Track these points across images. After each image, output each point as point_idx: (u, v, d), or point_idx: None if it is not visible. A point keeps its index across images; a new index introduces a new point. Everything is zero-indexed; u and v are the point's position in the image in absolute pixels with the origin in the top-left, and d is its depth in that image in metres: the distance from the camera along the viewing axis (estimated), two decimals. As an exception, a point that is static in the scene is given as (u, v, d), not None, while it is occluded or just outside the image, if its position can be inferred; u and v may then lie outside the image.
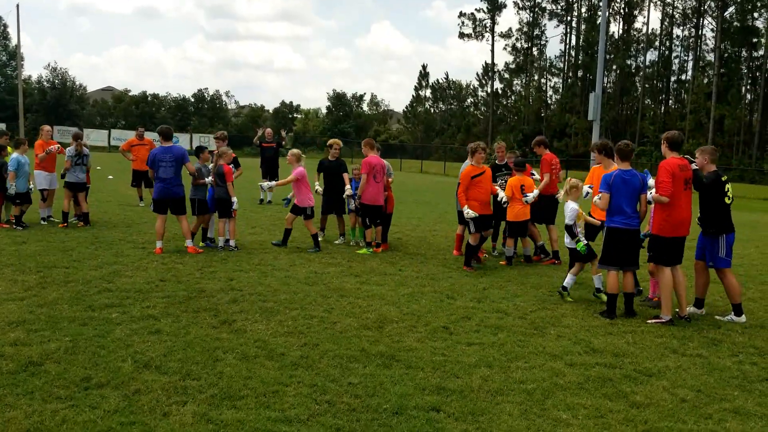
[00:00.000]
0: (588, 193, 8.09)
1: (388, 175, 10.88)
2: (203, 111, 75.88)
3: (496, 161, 10.61)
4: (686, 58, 64.14)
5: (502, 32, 72.18)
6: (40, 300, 6.75)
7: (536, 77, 72.78)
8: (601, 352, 5.72)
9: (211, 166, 10.29)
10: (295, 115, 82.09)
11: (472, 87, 78.35)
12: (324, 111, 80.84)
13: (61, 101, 66.07)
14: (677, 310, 6.98)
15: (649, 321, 6.78)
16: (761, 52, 54.56)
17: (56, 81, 68.37)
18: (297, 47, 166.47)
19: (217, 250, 10.11)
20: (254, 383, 4.69)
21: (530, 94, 71.40)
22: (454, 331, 6.22)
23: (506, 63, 73.68)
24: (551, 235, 10.24)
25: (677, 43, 63.87)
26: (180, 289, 7.46)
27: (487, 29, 71.53)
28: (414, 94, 79.77)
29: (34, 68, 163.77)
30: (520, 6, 70.40)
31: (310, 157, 56.14)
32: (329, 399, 4.47)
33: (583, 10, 67.90)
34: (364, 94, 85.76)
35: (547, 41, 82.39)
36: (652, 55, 64.07)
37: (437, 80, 79.91)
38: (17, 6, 49.43)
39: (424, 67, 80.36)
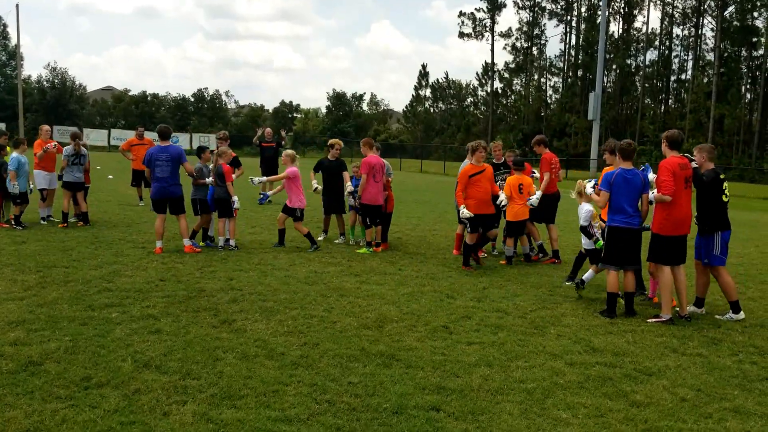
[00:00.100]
0: (592, 187, 8.07)
1: (387, 175, 10.87)
2: (203, 111, 75.89)
3: (494, 160, 10.60)
4: (686, 57, 64.17)
5: (501, 32, 72.23)
6: (39, 299, 6.74)
7: (536, 77, 72.78)
8: (601, 352, 5.72)
9: (211, 166, 10.29)
10: (294, 115, 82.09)
11: (471, 86, 78.41)
12: (324, 111, 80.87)
13: (61, 101, 66.08)
14: (677, 309, 6.98)
15: (649, 320, 6.78)
16: (761, 52, 54.54)
17: (56, 81, 68.40)
18: (297, 47, 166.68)
19: (217, 249, 10.11)
20: (254, 383, 4.69)
21: (530, 93, 71.39)
22: (454, 330, 6.22)
23: (506, 62, 73.75)
24: (551, 234, 10.24)
25: (677, 42, 63.90)
26: (180, 288, 7.46)
27: (487, 29, 71.57)
28: (414, 94, 79.83)
29: (33, 68, 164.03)
30: (520, 5, 70.40)
31: (310, 156, 56.18)
32: (329, 398, 4.47)
33: (583, 9, 67.90)
34: (364, 93, 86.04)
35: (546, 41, 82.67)
36: (651, 55, 64.15)
37: (437, 80, 80.00)
38: (17, 6, 49.49)
39: (423, 66, 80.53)
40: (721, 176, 7.08)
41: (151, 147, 10.88)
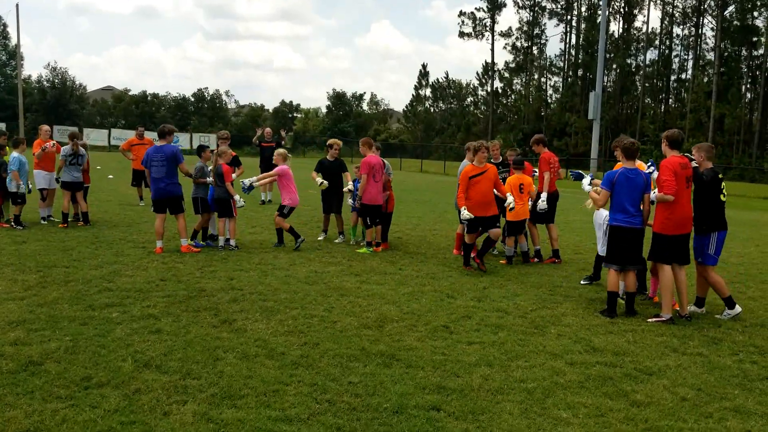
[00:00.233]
0: (589, 184, 8.07)
1: (387, 174, 10.87)
2: (203, 110, 75.92)
3: (491, 160, 10.56)
4: (686, 57, 64.24)
5: (502, 31, 72.34)
6: (40, 299, 6.74)
7: (536, 76, 72.82)
8: (601, 351, 5.72)
9: (210, 168, 10.27)
10: (295, 115, 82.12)
11: (472, 86, 78.51)
12: (324, 110, 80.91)
13: (61, 101, 66.09)
14: (677, 309, 6.98)
15: (650, 320, 6.77)
16: (761, 51, 54.56)
17: (56, 81, 68.41)
18: (297, 47, 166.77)
19: (218, 249, 10.11)
20: (254, 382, 4.69)
21: (530, 93, 71.41)
22: (455, 330, 6.21)
23: (506, 62, 73.85)
24: (551, 233, 10.23)
25: (677, 42, 63.95)
26: (180, 288, 7.46)
27: (487, 28, 71.65)
28: (414, 94, 79.91)
29: (33, 68, 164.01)
30: (520, 5, 70.46)
31: (309, 156, 56.18)
32: (329, 398, 4.47)
33: (583, 9, 67.94)
34: (364, 93, 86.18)
35: (547, 40, 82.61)
36: (652, 54, 64.21)
37: (437, 79, 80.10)
38: (17, 6, 49.51)
39: (424, 66, 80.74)
40: (720, 175, 7.09)
41: (150, 147, 10.87)
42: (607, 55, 56.51)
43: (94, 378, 4.67)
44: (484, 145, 9.19)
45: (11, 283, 7.45)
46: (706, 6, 59.41)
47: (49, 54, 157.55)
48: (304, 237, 10.67)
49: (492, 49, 71.54)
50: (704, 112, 55.08)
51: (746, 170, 45.61)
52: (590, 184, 7.76)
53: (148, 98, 74.24)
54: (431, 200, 20.80)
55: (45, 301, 6.67)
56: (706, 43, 60.01)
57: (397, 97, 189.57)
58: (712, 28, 58.27)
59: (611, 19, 63.69)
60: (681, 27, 63.99)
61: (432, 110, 79.68)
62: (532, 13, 70.49)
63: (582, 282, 8.59)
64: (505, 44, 73.21)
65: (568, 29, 69.91)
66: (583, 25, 66.61)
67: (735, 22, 55.50)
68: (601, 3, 51.36)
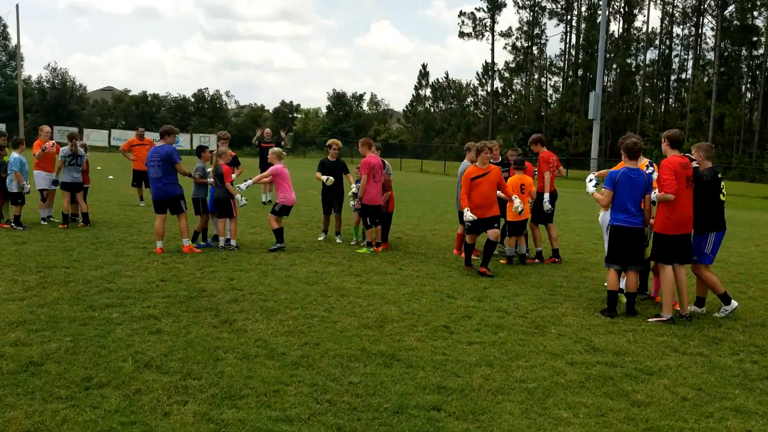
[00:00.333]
0: (591, 179, 8.03)
1: (387, 173, 10.87)
2: (203, 111, 75.91)
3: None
4: (686, 56, 64.21)
5: (502, 31, 72.30)
6: (40, 300, 6.75)
7: (536, 76, 72.80)
8: (602, 351, 5.71)
9: (209, 169, 10.24)
10: (295, 115, 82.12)
11: (472, 86, 78.43)
12: (324, 110, 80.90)
13: (61, 101, 66.09)
14: (678, 308, 6.98)
15: (650, 320, 6.77)
16: (761, 51, 54.53)
17: (56, 81, 68.41)
18: (297, 47, 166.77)
19: (218, 249, 10.10)
20: (255, 383, 4.69)
21: (530, 93, 71.40)
22: (455, 330, 6.21)
23: (506, 62, 73.80)
24: (551, 233, 10.23)
25: (677, 41, 63.93)
26: (180, 288, 7.46)
27: (487, 28, 71.62)
28: (414, 94, 79.87)
29: (33, 68, 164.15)
30: (520, 5, 70.43)
31: (309, 157, 56.16)
32: (330, 398, 4.47)
33: (583, 9, 67.94)
34: (364, 93, 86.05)
35: (547, 40, 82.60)
36: (652, 54, 64.18)
37: (437, 79, 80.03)
38: (17, 6, 49.55)
39: (424, 66, 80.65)
40: (719, 175, 7.09)
41: (150, 147, 10.86)
42: (607, 55, 56.50)
43: (94, 378, 4.67)
44: (487, 146, 9.02)
45: (11, 283, 7.45)
46: (706, 6, 59.41)
47: (49, 54, 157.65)
48: (304, 237, 10.66)
49: (492, 49, 71.60)
50: (704, 111, 55.07)
51: (746, 170, 45.60)
52: (595, 186, 7.72)
53: (149, 99, 74.25)
54: (431, 200, 20.80)
55: (45, 302, 6.67)
56: (706, 43, 60.05)
57: (397, 98, 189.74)
58: (712, 28, 58.29)
59: (611, 19, 63.72)
60: (681, 27, 64.02)
61: (432, 110, 79.66)
62: (532, 13, 70.51)
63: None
64: (505, 44, 73.25)
65: (568, 29, 69.95)
66: (583, 25, 66.62)
67: (735, 22, 55.48)
68: (601, 3, 51.40)
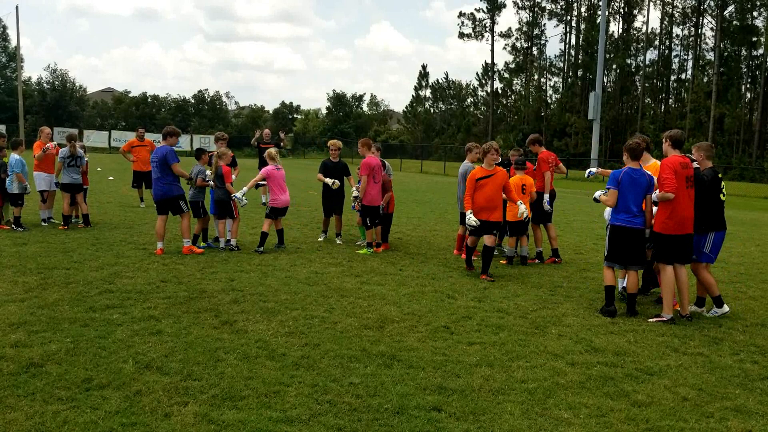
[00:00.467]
0: (590, 172, 7.97)
1: (388, 174, 10.87)
2: (203, 112, 75.86)
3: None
4: (686, 57, 64.21)
5: (501, 32, 72.35)
6: (41, 301, 6.75)
7: (536, 77, 72.81)
8: (602, 351, 5.72)
9: (208, 172, 10.22)
10: (295, 116, 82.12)
11: (471, 87, 78.44)
12: (324, 111, 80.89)
13: (61, 103, 66.06)
14: (678, 308, 6.98)
15: (651, 320, 6.77)
16: (761, 51, 54.55)
17: (56, 82, 68.36)
18: (297, 48, 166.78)
19: (219, 250, 10.11)
20: (255, 383, 4.69)
21: (530, 93, 71.42)
22: (455, 330, 6.21)
23: (506, 63, 73.83)
24: (550, 233, 10.23)
25: (677, 42, 63.93)
26: (181, 289, 7.46)
27: (487, 29, 71.64)
28: (414, 94, 79.85)
29: (33, 70, 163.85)
30: (520, 6, 70.47)
31: (310, 157, 56.14)
32: (330, 399, 4.47)
33: (583, 9, 67.98)
34: (364, 94, 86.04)
35: (546, 41, 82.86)
36: (651, 54, 64.22)
37: (437, 80, 79.99)
38: (17, 7, 49.58)
39: (423, 67, 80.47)
40: (719, 175, 7.09)
41: (152, 149, 10.89)
42: (607, 56, 56.54)
43: (95, 379, 4.67)
44: (493, 147, 8.84)
45: (12, 284, 7.45)
46: (705, 6, 59.43)
47: (48, 56, 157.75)
48: (304, 237, 10.65)
49: (492, 50, 71.63)
50: (704, 112, 55.10)
51: (746, 170, 45.60)
52: (604, 193, 7.66)
53: (148, 100, 74.24)
54: (431, 201, 20.80)
55: (46, 303, 6.67)
56: (706, 43, 60.06)
57: (397, 98, 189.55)
58: (711, 28, 58.31)
59: (611, 19, 63.76)
60: (681, 27, 64.04)
61: (432, 111, 79.66)
62: (531, 14, 70.54)
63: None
64: (505, 45, 73.29)
65: (568, 30, 69.98)
66: (582, 26, 66.64)
67: (735, 22, 55.50)
68: (600, 3, 51.41)
